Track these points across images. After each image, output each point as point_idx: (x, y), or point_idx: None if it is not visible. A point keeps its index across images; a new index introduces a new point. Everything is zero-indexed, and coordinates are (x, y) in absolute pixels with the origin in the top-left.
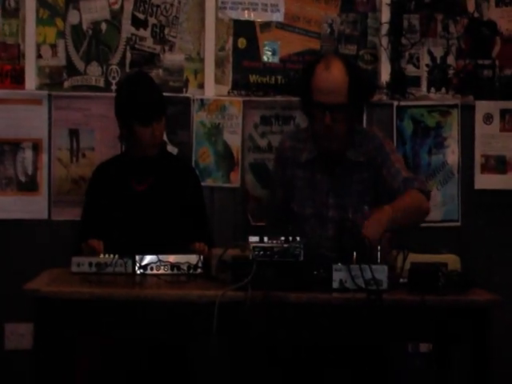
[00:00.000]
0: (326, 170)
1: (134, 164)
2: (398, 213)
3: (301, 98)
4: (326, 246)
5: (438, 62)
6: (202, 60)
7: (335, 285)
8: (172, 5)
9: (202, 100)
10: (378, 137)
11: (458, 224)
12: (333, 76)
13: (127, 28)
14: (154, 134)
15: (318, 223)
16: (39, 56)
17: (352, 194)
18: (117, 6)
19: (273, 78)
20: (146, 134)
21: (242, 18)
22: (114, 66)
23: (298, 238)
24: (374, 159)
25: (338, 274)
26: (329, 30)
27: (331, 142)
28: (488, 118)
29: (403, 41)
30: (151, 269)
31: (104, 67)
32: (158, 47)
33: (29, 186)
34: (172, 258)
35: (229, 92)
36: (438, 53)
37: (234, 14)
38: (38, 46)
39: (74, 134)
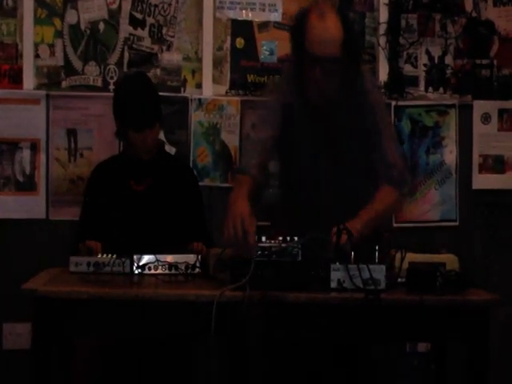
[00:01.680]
0: (316, 116)
1: (133, 164)
2: (368, 225)
3: (292, 47)
4: (320, 184)
5: (436, 61)
6: (199, 60)
7: (333, 284)
8: (170, 4)
9: (199, 100)
10: (369, 90)
11: (456, 224)
12: (327, 27)
13: (125, 28)
14: (145, 141)
15: (312, 165)
16: (37, 56)
17: (344, 139)
18: (115, 6)
19: (271, 78)
20: (138, 139)
21: (239, 18)
22: (111, 66)
23: (295, 238)
24: (363, 113)
25: (336, 274)
26: None
27: (319, 94)
28: (486, 118)
29: (401, 40)
30: (149, 268)
31: (102, 67)
32: (156, 47)
33: (27, 185)
34: (170, 258)
35: (227, 92)
36: (436, 52)
37: (232, 14)
38: (36, 46)
39: (71, 133)
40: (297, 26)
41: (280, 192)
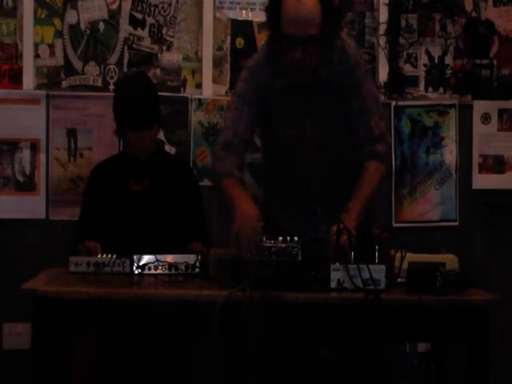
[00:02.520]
0: (299, 93)
1: (132, 164)
2: (361, 215)
3: (268, 28)
4: (308, 164)
5: (436, 61)
6: (199, 60)
7: (333, 284)
8: (170, 4)
9: (199, 100)
10: (351, 59)
11: (456, 224)
12: (304, 7)
13: (125, 28)
14: (142, 141)
15: (297, 143)
16: (37, 56)
17: (328, 113)
18: (115, 6)
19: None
20: (136, 139)
21: (239, 18)
22: (111, 66)
23: (295, 238)
24: (346, 83)
25: (336, 274)
26: None
27: (302, 73)
28: (486, 118)
29: (401, 40)
30: (149, 269)
31: (102, 67)
32: (156, 47)
33: (27, 185)
34: (170, 258)
35: (227, 92)
36: (436, 52)
37: (232, 14)
38: (36, 46)
39: (71, 133)
40: (272, 6)
41: (267, 173)
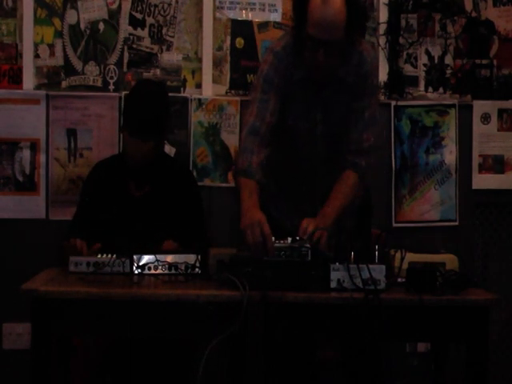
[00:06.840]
0: (315, 88)
1: (132, 168)
2: (338, 216)
3: (293, 22)
4: (316, 162)
5: (436, 61)
6: (199, 60)
7: (333, 284)
8: (170, 4)
9: (199, 100)
10: (367, 66)
11: (456, 224)
12: (331, 10)
13: (125, 28)
14: (132, 148)
15: (309, 138)
16: (37, 56)
17: (339, 111)
18: (114, 6)
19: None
20: (128, 143)
21: (239, 18)
22: (111, 66)
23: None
24: (357, 86)
25: (336, 274)
26: None
27: (322, 74)
28: (486, 118)
29: (401, 40)
30: (149, 269)
31: (102, 67)
32: (156, 47)
33: (27, 185)
34: (170, 258)
35: (226, 92)
36: (436, 52)
37: (232, 14)
38: (36, 46)
39: (71, 133)
40: (298, 5)
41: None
